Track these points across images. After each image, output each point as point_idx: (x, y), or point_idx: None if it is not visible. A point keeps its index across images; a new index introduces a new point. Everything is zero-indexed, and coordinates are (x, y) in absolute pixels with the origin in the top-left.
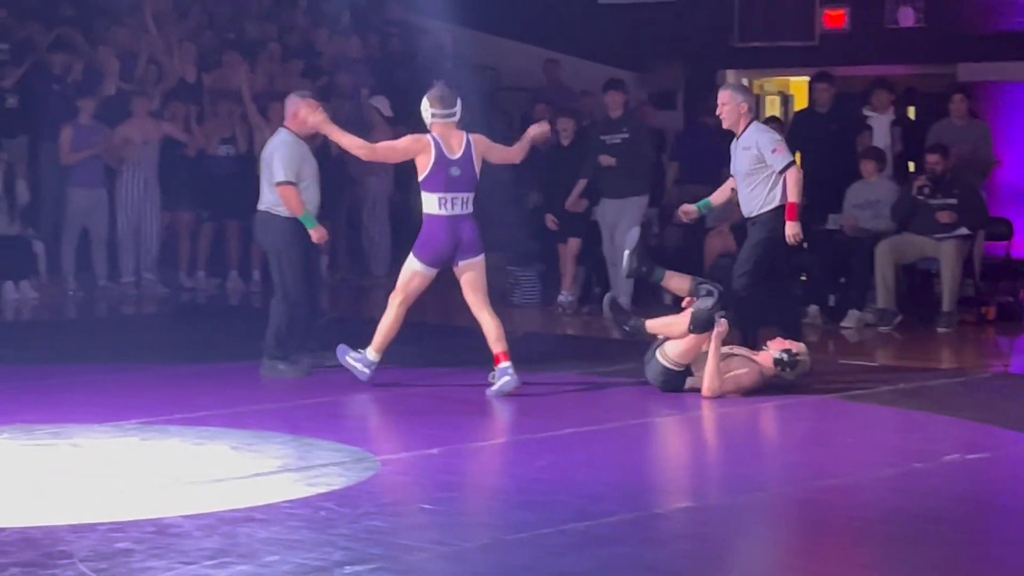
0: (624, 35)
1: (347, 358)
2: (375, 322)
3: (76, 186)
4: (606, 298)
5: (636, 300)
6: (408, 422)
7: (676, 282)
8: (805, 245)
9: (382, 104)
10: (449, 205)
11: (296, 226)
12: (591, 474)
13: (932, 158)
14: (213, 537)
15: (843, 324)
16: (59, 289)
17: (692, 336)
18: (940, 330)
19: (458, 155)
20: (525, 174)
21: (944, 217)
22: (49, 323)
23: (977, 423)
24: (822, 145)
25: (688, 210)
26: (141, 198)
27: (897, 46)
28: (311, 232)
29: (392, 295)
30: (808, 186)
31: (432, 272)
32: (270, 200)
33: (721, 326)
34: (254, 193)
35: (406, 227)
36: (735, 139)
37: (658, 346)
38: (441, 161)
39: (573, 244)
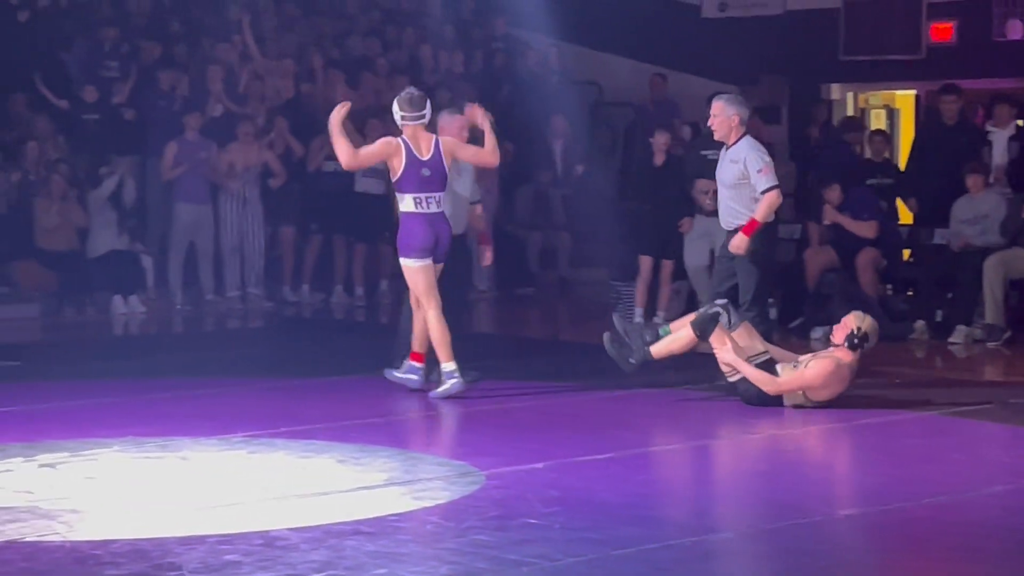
0: (729, 49)
1: (441, 390)
2: (478, 336)
3: (182, 201)
4: (605, 337)
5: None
6: (513, 436)
7: (681, 339)
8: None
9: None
10: (424, 204)
11: None
12: (696, 489)
13: None
14: (320, 550)
15: (950, 340)
16: (166, 303)
17: (721, 348)
18: None
19: (428, 156)
20: (629, 188)
21: None
22: (157, 337)
23: None
24: (948, 159)
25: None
26: (243, 213)
27: (1005, 59)
28: None
29: (424, 310)
30: (927, 200)
31: (429, 262)
32: None
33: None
34: (359, 208)
35: (501, 241)
36: (724, 148)
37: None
38: (412, 162)
39: (667, 265)
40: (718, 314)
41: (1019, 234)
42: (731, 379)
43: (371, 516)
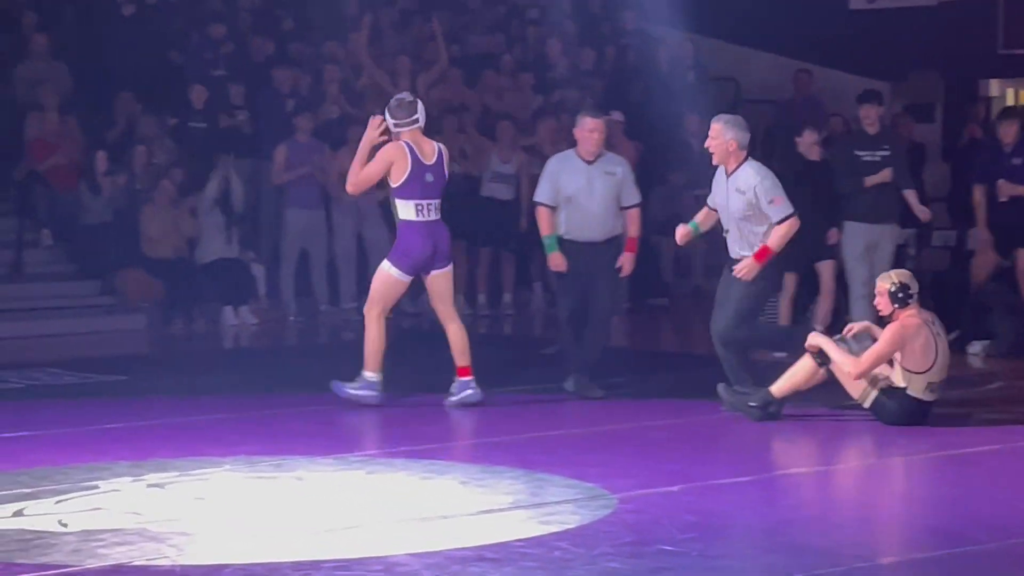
0: (878, 43)
1: (347, 391)
2: (609, 350)
3: (294, 207)
4: (719, 387)
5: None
6: (646, 457)
7: (801, 371)
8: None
9: (618, 118)
10: (426, 211)
11: (564, 249)
12: (841, 513)
13: None
14: None
15: None
16: (279, 314)
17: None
18: None
19: (432, 161)
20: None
21: None
22: (269, 350)
23: None
24: None
25: (684, 232)
26: (360, 219)
27: None
28: (548, 256)
29: (367, 308)
30: None
31: (408, 280)
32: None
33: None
34: (484, 213)
35: None
36: (725, 174)
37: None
38: (417, 167)
39: (827, 269)
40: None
41: None
42: (865, 404)
43: (495, 541)
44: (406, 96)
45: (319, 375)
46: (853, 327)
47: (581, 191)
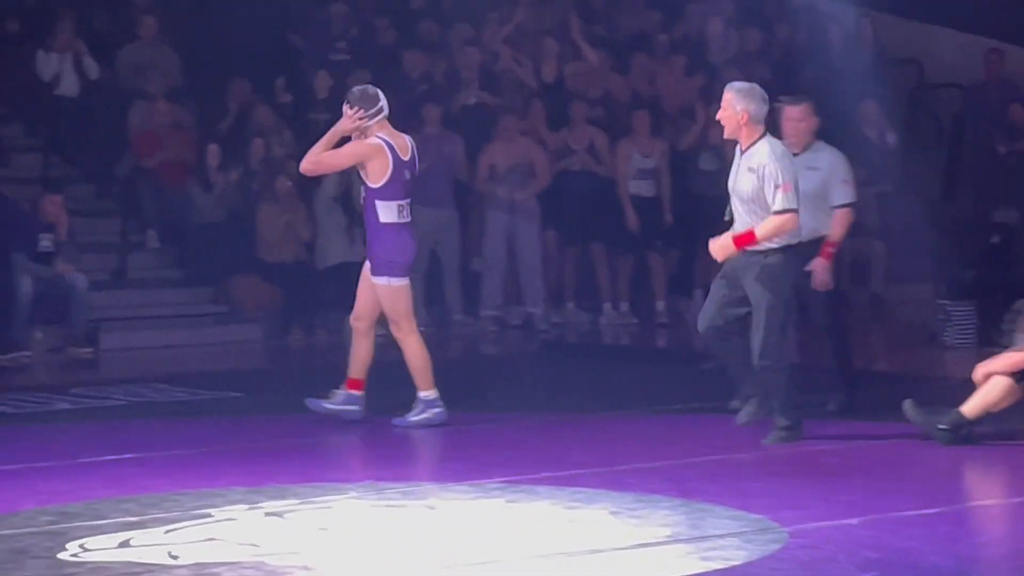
0: None
1: (414, 419)
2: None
3: (422, 205)
4: (906, 405)
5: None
6: (819, 485)
7: (996, 389)
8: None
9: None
10: (406, 212)
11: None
12: None
13: None
14: None
15: None
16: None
17: None
18: None
19: (407, 157)
20: (990, 191)
21: None
22: (396, 364)
23: None
24: None
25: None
26: (513, 218)
27: None
28: None
29: (395, 330)
30: None
31: (407, 281)
32: None
33: None
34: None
35: None
36: (739, 150)
37: None
38: (398, 166)
39: None
40: None
41: None
42: None
43: None
44: (368, 87)
45: (452, 392)
46: None
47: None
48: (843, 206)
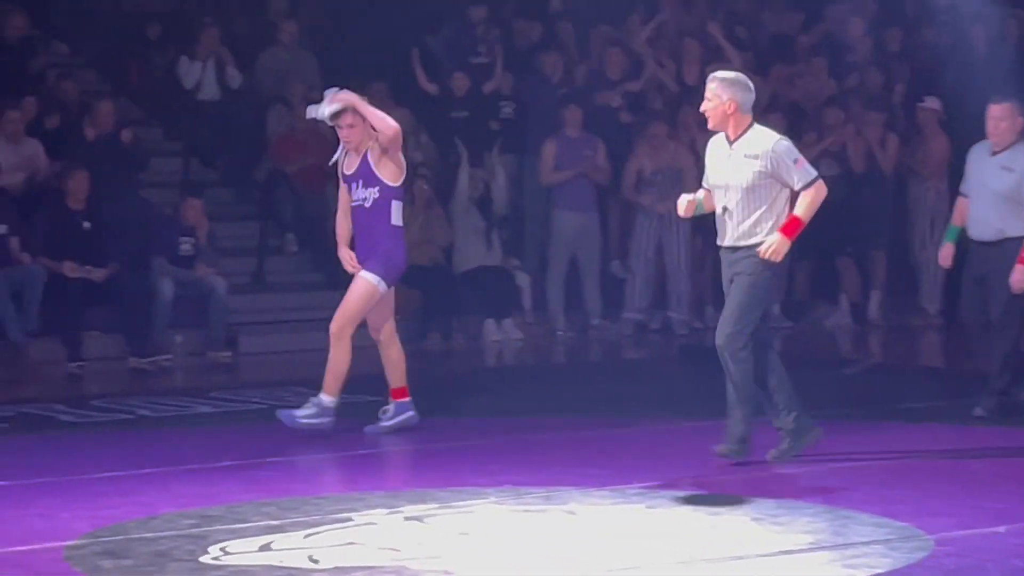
0: None
1: (301, 421)
2: (923, 370)
3: (563, 209)
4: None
5: None
6: (965, 492)
7: None
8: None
9: (934, 106)
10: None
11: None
12: None
13: None
14: None
15: None
16: (546, 329)
17: None
18: None
19: None
20: None
21: None
22: (535, 368)
23: None
24: None
25: (690, 205)
26: (660, 223)
27: None
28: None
29: (341, 327)
30: None
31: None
32: None
33: None
34: None
35: None
36: (727, 143)
37: None
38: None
39: None
40: None
41: None
42: None
43: None
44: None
45: (591, 397)
46: None
47: (976, 185)
48: None
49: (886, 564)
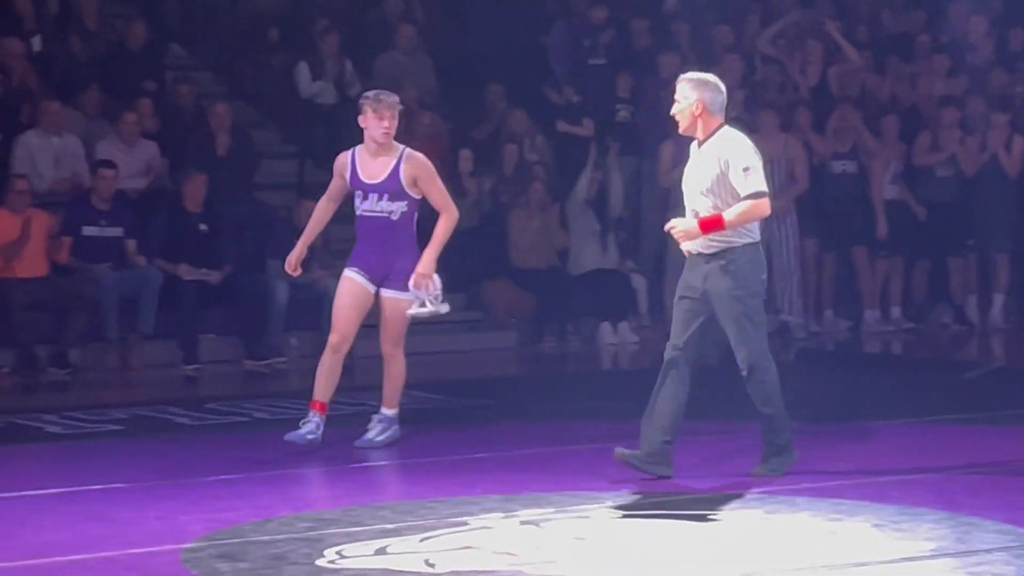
0: None
1: (380, 438)
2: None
3: (680, 210)
4: None
5: None
6: None
7: None
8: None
9: None
10: None
11: None
12: None
13: None
14: None
15: None
16: (662, 332)
17: None
18: None
19: None
20: None
21: None
22: (651, 371)
23: None
24: None
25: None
26: (770, 223)
27: None
28: None
29: (397, 347)
30: None
31: None
32: None
33: None
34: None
35: None
36: (696, 144)
37: None
38: None
39: None
40: None
41: None
42: None
43: None
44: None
45: (707, 401)
46: None
47: None
48: None
49: (1010, 572)
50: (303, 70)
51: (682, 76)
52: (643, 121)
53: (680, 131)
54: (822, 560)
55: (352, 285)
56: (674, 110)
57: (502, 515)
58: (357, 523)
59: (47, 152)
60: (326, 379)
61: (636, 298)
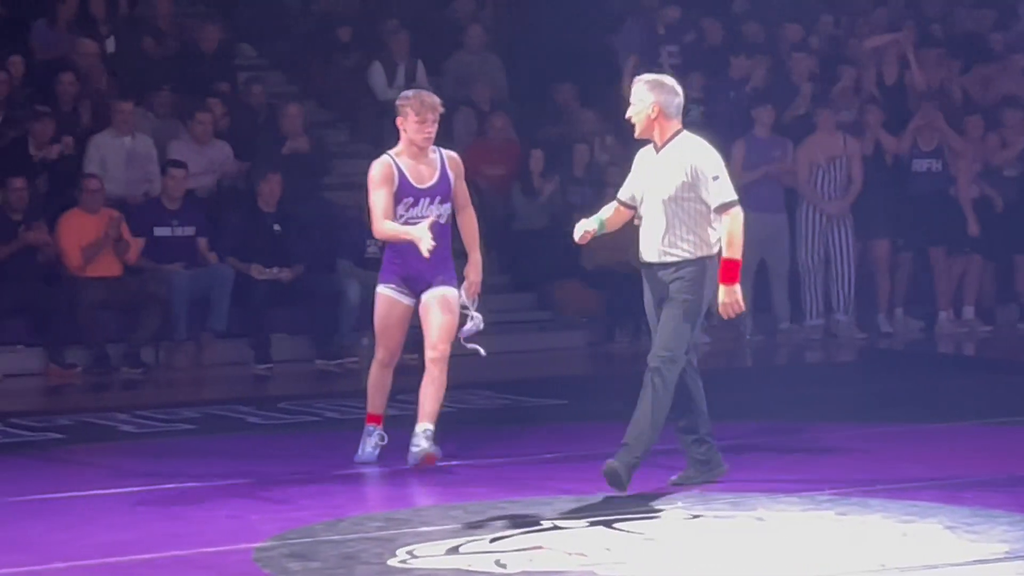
0: None
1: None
2: None
3: (751, 210)
4: None
5: None
6: None
7: None
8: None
9: None
10: None
11: None
12: None
13: None
14: None
15: None
16: (733, 332)
17: None
18: None
19: None
20: None
21: None
22: (722, 372)
23: None
24: None
25: (587, 231)
26: (828, 224)
27: None
28: None
29: (444, 352)
30: None
31: None
32: None
33: None
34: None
35: None
36: (654, 151)
37: None
38: None
39: None
40: None
41: None
42: None
43: None
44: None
45: (777, 401)
46: None
47: None
48: None
49: None
50: (377, 71)
51: (637, 78)
52: (714, 121)
53: (636, 135)
54: (893, 562)
55: (392, 304)
56: (629, 113)
57: (573, 515)
58: (428, 523)
59: (119, 153)
60: (381, 393)
61: None
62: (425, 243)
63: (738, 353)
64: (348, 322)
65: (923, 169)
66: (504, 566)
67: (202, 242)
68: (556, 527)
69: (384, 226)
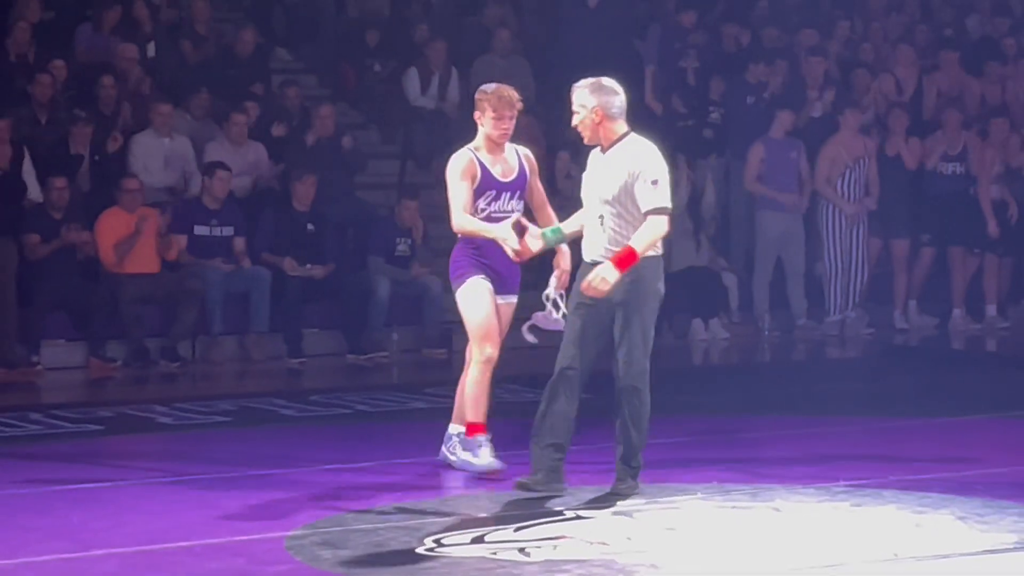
0: None
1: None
2: None
3: (768, 210)
4: None
5: None
6: None
7: None
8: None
9: None
10: None
11: None
12: None
13: None
14: None
15: None
16: (752, 328)
17: None
18: None
19: None
20: None
21: None
22: (741, 367)
23: None
24: None
25: (524, 247)
26: (848, 223)
27: None
28: None
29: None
30: None
31: None
32: None
33: None
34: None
35: None
36: (600, 151)
37: None
38: None
39: None
40: None
41: None
42: None
43: None
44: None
45: (795, 396)
46: None
47: None
48: None
49: None
50: (412, 77)
51: (576, 84)
52: (732, 123)
53: (586, 142)
54: (906, 551)
55: (491, 296)
56: (574, 121)
57: (595, 505)
58: (454, 512)
59: (158, 153)
60: (486, 398)
61: (727, 296)
62: (511, 243)
63: (757, 349)
64: (378, 317)
65: (948, 172)
66: (528, 555)
67: (238, 242)
68: (579, 517)
69: (464, 220)
